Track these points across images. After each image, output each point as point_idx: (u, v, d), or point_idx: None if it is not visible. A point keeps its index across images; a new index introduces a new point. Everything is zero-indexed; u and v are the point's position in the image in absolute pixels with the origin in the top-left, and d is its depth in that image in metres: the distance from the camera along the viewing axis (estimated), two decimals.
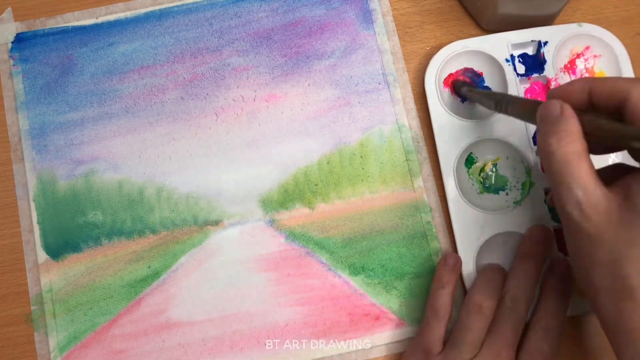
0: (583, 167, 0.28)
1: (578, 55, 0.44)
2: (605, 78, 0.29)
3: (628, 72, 0.43)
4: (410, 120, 0.44)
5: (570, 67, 0.44)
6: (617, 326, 0.28)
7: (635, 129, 0.26)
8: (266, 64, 0.45)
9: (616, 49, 0.43)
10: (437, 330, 0.37)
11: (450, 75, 0.43)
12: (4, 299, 0.42)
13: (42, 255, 0.42)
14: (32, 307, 0.42)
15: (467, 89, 0.41)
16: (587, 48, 0.44)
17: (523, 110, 0.33)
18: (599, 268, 0.28)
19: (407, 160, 0.43)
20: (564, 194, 0.28)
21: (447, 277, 0.38)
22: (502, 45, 0.43)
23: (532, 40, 0.43)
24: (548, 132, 0.29)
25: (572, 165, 0.28)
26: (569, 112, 0.29)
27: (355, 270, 0.42)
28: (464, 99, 0.43)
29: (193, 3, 0.46)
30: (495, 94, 0.38)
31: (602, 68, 0.44)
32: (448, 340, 0.37)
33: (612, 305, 0.28)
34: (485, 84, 0.43)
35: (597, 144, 0.30)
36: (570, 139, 0.28)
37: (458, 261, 0.39)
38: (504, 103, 0.35)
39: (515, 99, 0.35)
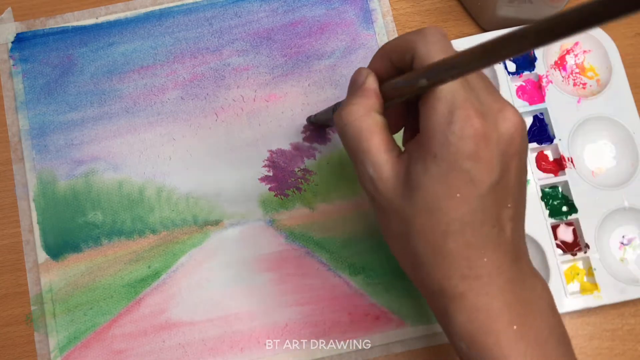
0: (373, 143, 0.27)
1: (568, 51, 0.44)
2: (396, 38, 0.28)
3: (618, 65, 0.43)
4: None
5: (561, 63, 0.44)
6: (419, 284, 0.29)
7: (420, 69, 0.26)
8: (266, 64, 0.45)
9: (605, 44, 0.43)
10: None
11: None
12: (4, 299, 0.42)
13: (42, 255, 0.42)
14: (32, 307, 0.41)
15: (315, 116, 0.41)
16: (576, 44, 0.44)
17: (326, 112, 0.33)
18: (395, 241, 0.28)
19: None
20: (360, 170, 0.28)
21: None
22: None
23: None
24: (346, 103, 0.29)
25: (363, 142, 0.27)
26: (369, 82, 0.28)
27: (355, 270, 0.42)
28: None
29: (193, 3, 0.46)
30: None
31: (592, 63, 0.44)
32: None
33: (410, 274, 0.29)
34: None
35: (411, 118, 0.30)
36: (360, 113, 0.28)
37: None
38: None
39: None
